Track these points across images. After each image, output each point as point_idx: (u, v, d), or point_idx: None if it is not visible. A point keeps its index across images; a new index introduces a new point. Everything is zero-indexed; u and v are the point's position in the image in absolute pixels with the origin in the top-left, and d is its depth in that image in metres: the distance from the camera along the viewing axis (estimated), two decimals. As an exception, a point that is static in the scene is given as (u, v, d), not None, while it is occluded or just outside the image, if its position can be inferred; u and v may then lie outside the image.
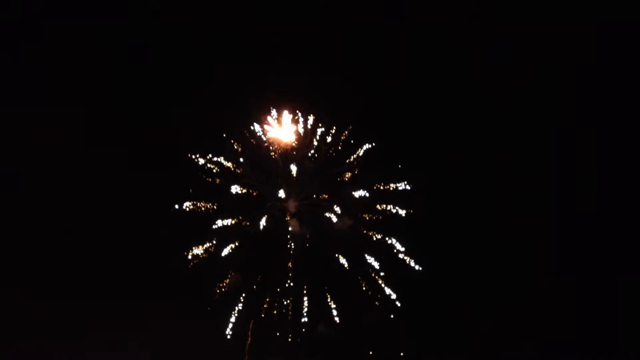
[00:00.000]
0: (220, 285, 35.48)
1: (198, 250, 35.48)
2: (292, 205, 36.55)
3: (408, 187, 36.61)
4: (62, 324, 34.93)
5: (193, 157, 36.04)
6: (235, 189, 35.75)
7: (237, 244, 35.69)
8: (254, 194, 36.40)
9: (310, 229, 36.47)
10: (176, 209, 35.35)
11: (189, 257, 35.33)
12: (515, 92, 40.21)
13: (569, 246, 37.15)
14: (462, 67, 40.01)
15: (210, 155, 36.38)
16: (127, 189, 36.66)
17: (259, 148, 37.01)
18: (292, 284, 35.80)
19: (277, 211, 36.49)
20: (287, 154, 36.80)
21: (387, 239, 36.07)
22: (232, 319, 35.05)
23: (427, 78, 39.15)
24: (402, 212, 36.24)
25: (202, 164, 36.23)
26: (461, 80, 39.96)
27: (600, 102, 39.73)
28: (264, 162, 36.96)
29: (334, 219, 35.87)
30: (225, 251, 35.46)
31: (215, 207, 35.88)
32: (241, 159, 36.71)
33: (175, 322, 34.81)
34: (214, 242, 35.68)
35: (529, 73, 40.39)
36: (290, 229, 36.39)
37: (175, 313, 34.72)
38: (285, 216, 36.45)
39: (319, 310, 35.60)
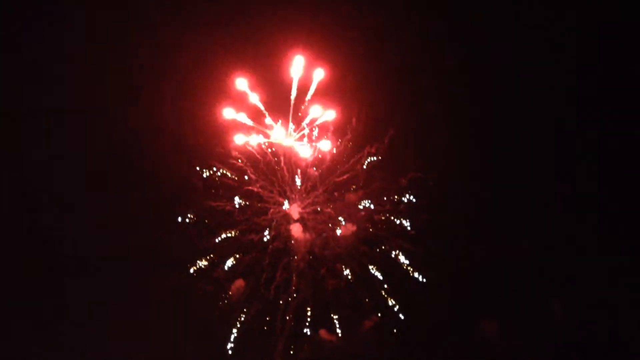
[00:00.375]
0: (223, 296, 35.33)
1: (201, 263, 35.35)
2: (295, 212, 36.15)
3: (413, 200, 36.39)
4: (59, 333, 34.82)
5: (198, 168, 35.83)
6: (238, 200, 35.55)
7: (239, 255, 35.57)
8: (258, 204, 36.09)
9: (314, 236, 36.21)
10: (179, 221, 35.09)
11: (191, 270, 35.15)
12: (520, 97, 39.59)
13: (578, 260, 36.74)
14: (468, 73, 39.14)
15: (214, 169, 35.96)
16: (130, 202, 36.37)
17: (264, 155, 36.42)
18: (295, 296, 35.68)
19: (280, 217, 36.20)
20: (292, 162, 36.26)
21: (391, 250, 35.97)
22: (234, 331, 34.95)
23: (431, 85, 38.27)
24: (407, 224, 36.05)
25: (206, 177, 35.99)
26: (467, 86, 39.07)
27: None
28: (267, 169, 36.43)
29: (338, 230, 35.79)
30: (229, 263, 35.38)
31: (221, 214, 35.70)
32: (246, 176, 36.19)
33: (175, 333, 34.85)
34: (217, 254, 35.52)
35: (534, 77, 39.65)
36: (293, 241, 36.18)
37: (176, 325, 34.82)
38: (289, 223, 36.14)
39: (321, 320, 35.52)
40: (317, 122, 35.67)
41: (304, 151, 35.71)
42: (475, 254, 37.08)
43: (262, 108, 35.69)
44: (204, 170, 35.88)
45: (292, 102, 35.58)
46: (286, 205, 35.94)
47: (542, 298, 36.45)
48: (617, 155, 38.48)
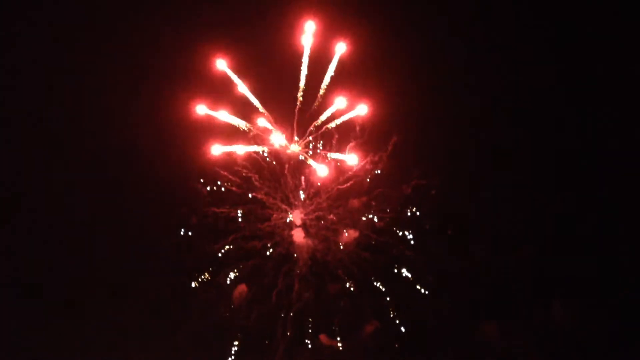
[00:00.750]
0: (226, 301, 35.58)
1: (204, 268, 35.49)
2: (298, 218, 36.16)
3: (417, 213, 36.44)
4: (59, 337, 34.83)
5: (202, 180, 35.68)
6: (241, 206, 35.52)
7: (242, 260, 35.71)
8: (261, 211, 36.11)
9: (316, 242, 36.24)
10: (182, 235, 35.27)
11: (192, 285, 35.37)
12: (520, 98, 39.28)
13: (579, 263, 36.60)
14: (469, 75, 38.76)
15: (219, 182, 35.71)
16: (133, 206, 36.18)
17: (268, 163, 36.24)
18: (296, 301, 35.77)
19: (283, 223, 36.23)
20: (295, 168, 36.13)
21: (392, 258, 36.09)
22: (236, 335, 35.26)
23: (438, 97, 37.90)
24: (409, 235, 36.09)
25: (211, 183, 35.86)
26: (468, 88, 38.76)
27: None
28: (271, 176, 36.27)
29: (340, 236, 35.90)
30: (231, 268, 35.53)
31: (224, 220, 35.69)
32: (250, 194, 35.91)
33: (177, 339, 34.87)
34: (220, 259, 35.65)
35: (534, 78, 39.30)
36: (295, 247, 36.22)
37: (177, 330, 34.88)
38: (291, 229, 36.21)
39: (322, 325, 35.66)
40: (343, 119, 34.41)
41: (321, 170, 34.71)
42: (476, 257, 37.14)
43: (263, 109, 35.24)
44: (208, 185, 35.84)
45: (301, 89, 34.49)
46: (289, 212, 35.88)
47: (543, 300, 36.41)
48: (616, 157, 38.41)
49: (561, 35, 39.17)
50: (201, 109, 34.21)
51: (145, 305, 35.07)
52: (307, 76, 34.05)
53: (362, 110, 33.81)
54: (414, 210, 36.46)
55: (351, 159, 34.63)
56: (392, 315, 35.70)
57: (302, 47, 33.36)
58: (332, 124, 34.45)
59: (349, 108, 34.14)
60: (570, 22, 38.94)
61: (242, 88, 34.34)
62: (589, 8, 38.07)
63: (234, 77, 34.06)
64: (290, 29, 33.72)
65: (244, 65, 34.75)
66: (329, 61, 33.83)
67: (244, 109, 35.11)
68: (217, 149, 34.06)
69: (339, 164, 35.41)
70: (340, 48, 33.48)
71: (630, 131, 37.96)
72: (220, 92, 34.99)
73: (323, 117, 34.45)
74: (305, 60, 33.52)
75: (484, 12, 38.99)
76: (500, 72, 38.86)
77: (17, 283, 35.69)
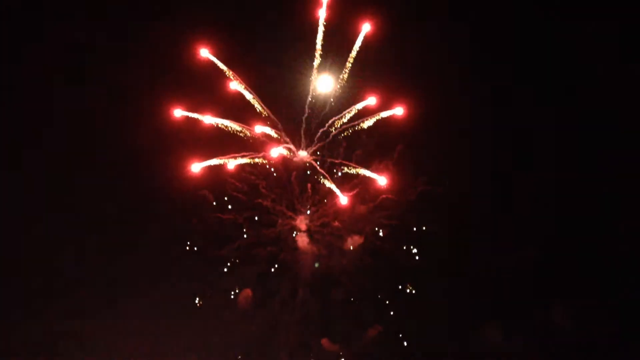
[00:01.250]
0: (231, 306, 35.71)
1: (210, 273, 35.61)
2: (303, 224, 36.20)
3: (421, 219, 36.42)
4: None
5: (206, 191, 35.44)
6: (248, 213, 35.54)
7: (248, 265, 35.83)
8: (267, 216, 36.07)
9: (320, 247, 36.41)
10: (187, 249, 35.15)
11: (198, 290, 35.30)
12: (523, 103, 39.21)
13: (585, 277, 37.06)
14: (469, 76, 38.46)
15: (225, 200, 35.52)
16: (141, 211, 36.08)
17: (275, 169, 36.04)
18: (300, 305, 36.08)
19: (288, 229, 36.26)
20: (302, 175, 36.04)
21: (397, 269, 36.35)
22: (240, 339, 35.59)
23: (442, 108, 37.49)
24: (414, 250, 36.25)
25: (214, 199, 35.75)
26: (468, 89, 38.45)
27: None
28: (277, 183, 36.21)
29: (344, 242, 36.03)
30: (237, 273, 35.70)
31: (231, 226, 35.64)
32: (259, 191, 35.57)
33: (182, 343, 35.30)
34: (226, 264, 35.69)
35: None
36: (299, 252, 36.32)
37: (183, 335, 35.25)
38: (296, 235, 36.30)
39: (324, 329, 36.07)
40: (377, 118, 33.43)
41: (343, 199, 34.55)
42: (478, 260, 37.46)
43: (266, 110, 35.00)
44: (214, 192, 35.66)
45: (314, 76, 33.26)
46: (294, 218, 35.92)
47: (544, 301, 36.84)
48: (617, 157, 38.57)
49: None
50: (201, 118, 34.10)
51: (151, 309, 35.13)
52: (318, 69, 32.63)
53: (398, 111, 32.43)
54: (417, 216, 36.56)
55: (381, 179, 34.31)
56: (394, 319, 36.10)
57: (309, 32, 32.00)
58: (349, 130, 34.09)
59: (360, 113, 33.87)
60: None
61: (242, 87, 33.95)
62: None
63: (230, 74, 33.52)
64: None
65: (244, 59, 34.40)
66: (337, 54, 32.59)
67: (247, 109, 35.05)
68: (196, 167, 33.49)
69: (341, 170, 35.47)
70: (365, 28, 31.47)
71: (630, 132, 38.25)
72: (221, 92, 34.77)
73: (343, 120, 33.81)
74: (319, 39, 31.15)
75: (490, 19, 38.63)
76: (504, 76, 38.76)
77: (19, 283, 35.60)
